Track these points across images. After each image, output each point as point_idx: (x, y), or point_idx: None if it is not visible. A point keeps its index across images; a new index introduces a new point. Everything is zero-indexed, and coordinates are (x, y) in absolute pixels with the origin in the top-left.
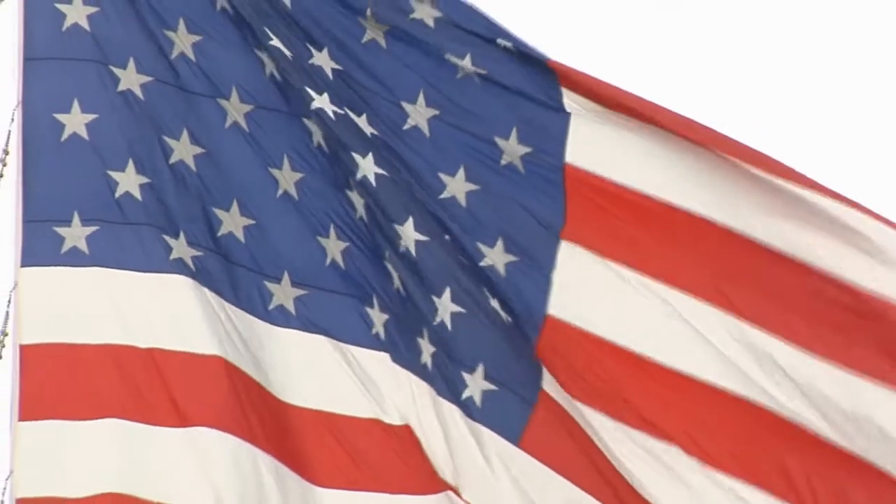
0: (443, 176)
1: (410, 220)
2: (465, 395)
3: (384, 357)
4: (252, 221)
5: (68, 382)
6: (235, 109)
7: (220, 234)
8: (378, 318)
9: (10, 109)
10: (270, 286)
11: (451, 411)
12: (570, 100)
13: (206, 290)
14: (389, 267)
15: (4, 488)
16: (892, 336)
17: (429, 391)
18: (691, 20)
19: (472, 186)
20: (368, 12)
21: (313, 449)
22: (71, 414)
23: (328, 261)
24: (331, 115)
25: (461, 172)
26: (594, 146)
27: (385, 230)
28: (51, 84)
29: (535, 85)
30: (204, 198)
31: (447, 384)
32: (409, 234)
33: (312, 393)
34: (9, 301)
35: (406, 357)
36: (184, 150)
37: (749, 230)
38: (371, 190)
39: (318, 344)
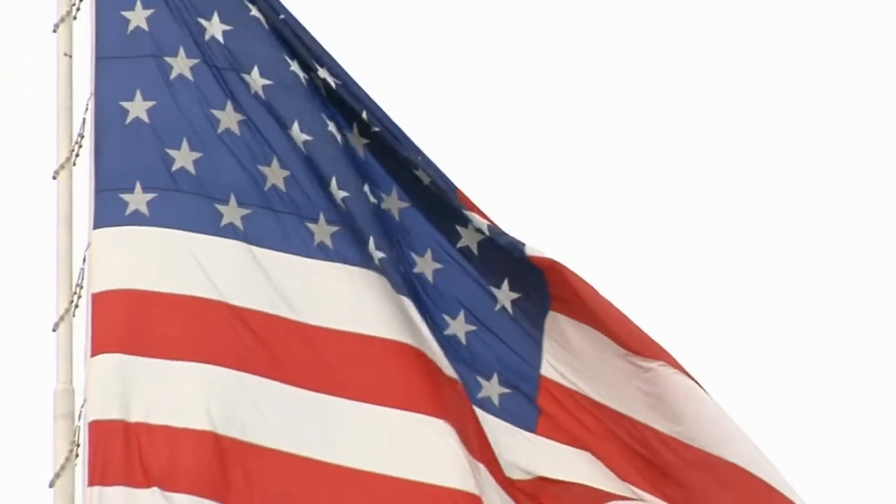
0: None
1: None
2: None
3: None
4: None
5: (133, 323)
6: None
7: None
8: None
9: (85, 100)
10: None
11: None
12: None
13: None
14: None
15: (80, 414)
16: None
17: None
18: (691, 20)
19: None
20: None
21: None
22: (134, 350)
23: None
24: None
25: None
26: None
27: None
28: (118, 77)
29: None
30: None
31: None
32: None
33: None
34: (84, 259)
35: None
36: (228, 118)
37: None
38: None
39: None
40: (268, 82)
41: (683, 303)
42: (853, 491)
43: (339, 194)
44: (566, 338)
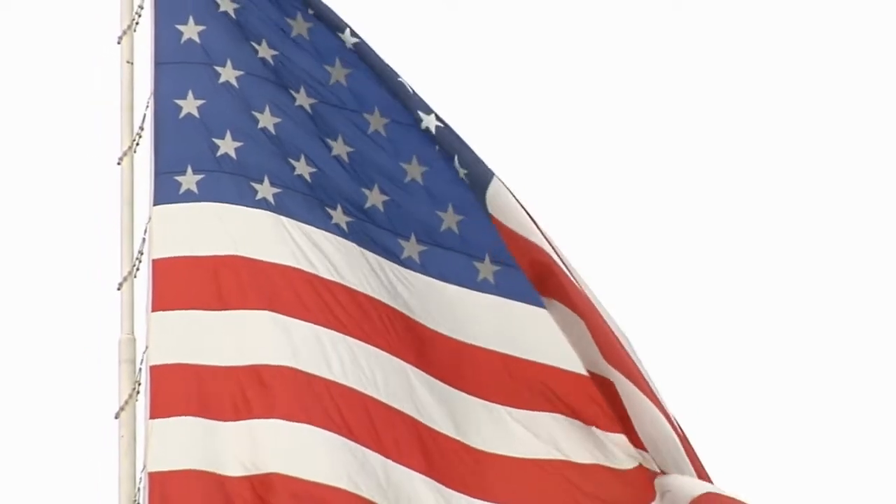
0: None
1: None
2: None
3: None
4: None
5: (186, 283)
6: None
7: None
8: None
9: (146, 98)
10: None
11: None
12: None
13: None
14: None
15: (143, 360)
16: None
17: None
18: (691, 20)
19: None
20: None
21: None
22: (189, 304)
23: None
24: None
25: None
26: None
27: None
28: (173, 80)
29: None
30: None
31: None
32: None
33: None
34: (145, 230)
35: None
36: (266, 119)
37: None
38: None
39: None
40: (313, 101)
41: (684, 296)
42: (852, 490)
43: (381, 197)
44: None
